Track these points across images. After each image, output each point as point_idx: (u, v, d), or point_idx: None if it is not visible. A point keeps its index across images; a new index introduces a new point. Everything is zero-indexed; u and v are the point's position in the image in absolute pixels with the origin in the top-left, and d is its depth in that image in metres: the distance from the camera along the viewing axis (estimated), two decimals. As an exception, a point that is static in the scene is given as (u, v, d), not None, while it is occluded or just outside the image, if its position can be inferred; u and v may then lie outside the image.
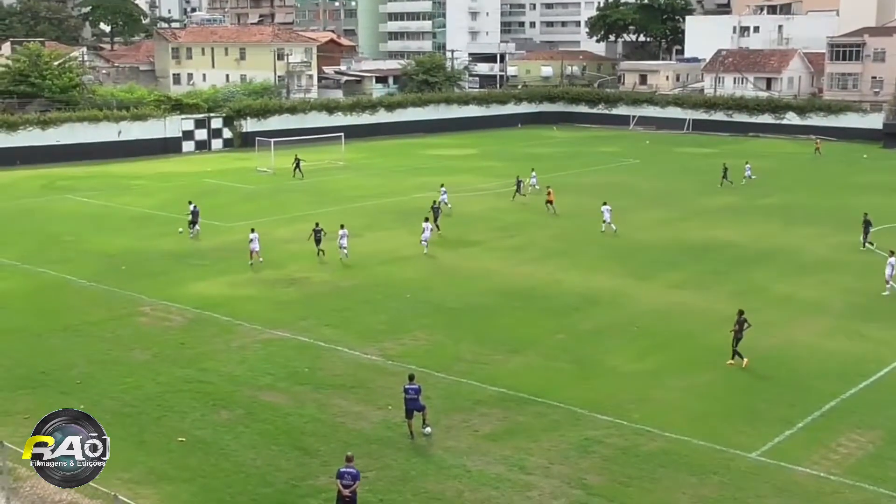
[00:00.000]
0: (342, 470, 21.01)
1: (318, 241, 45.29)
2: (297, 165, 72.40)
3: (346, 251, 44.45)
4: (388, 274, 42.70)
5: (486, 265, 44.59)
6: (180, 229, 50.67)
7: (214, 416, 26.85)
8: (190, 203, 51.40)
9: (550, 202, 57.21)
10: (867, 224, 47.90)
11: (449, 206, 56.62)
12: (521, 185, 61.50)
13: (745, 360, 30.72)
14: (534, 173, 66.58)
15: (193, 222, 50.41)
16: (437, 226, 49.97)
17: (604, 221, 51.22)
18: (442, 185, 59.26)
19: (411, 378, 25.81)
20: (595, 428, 26.12)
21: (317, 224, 45.92)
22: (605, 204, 51.73)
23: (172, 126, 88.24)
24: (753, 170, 70.77)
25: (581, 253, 47.18)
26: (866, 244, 47.40)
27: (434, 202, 52.52)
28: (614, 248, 48.17)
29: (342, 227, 44.91)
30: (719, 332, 34.14)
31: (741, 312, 31.28)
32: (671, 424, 26.32)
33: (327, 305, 37.76)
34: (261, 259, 44.23)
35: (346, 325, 35.23)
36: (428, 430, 25.58)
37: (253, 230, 45.12)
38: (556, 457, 24.44)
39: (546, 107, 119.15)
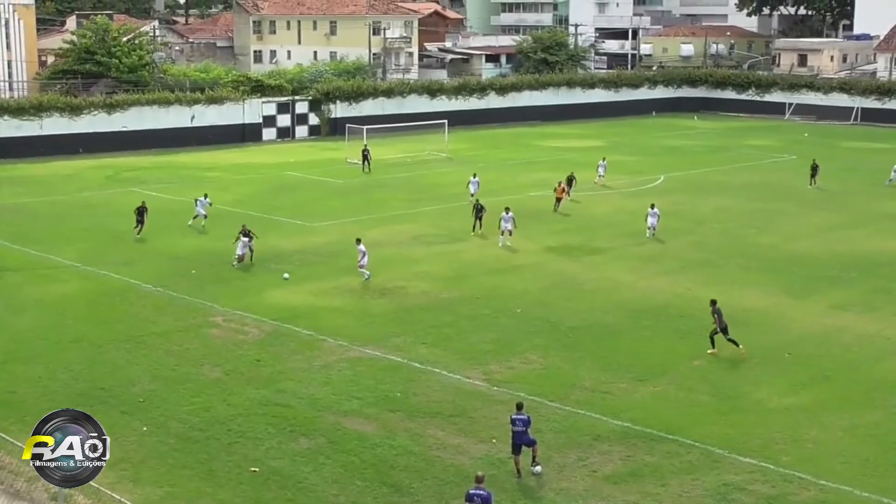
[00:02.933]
0: (471, 492, 21.89)
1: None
2: (366, 157, 73.21)
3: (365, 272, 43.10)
4: (497, 285, 42.78)
5: (612, 277, 44.37)
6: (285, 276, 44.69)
7: (293, 444, 27.26)
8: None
9: (559, 199, 57.94)
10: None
11: (475, 196, 58.79)
12: (574, 182, 62.52)
13: (742, 347, 34.11)
14: (603, 162, 67.45)
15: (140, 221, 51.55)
16: (480, 224, 51.68)
17: (648, 228, 51.35)
18: (475, 175, 61.83)
19: (520, 407, 25.83)
20: (736, 472, 25.75)
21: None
22: (652, 206, 51.74)
23: (252, 111, 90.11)
24: None
25: (725, 265, 46.60)
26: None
27: (476, 200, 53.81)
28: (765, 259, 47.47)
29: (359, 241, 43.78)
30: (890, 362, 33.34)
31: (714, 302, 34.52)
32: (829, 471, 25.79)
33: (425, 321, 38.03)
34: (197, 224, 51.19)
35: (446, 344, 35.41)
36: (538, 468, 25.55)
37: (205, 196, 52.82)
38: (690, 505, 24.18)
39: (686, 92, 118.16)
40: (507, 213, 49.62)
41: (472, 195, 59.34)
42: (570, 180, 61.94)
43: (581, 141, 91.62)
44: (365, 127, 79.32)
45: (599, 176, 66.22)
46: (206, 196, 53.78)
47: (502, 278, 43.97)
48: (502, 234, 49.29)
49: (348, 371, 32.68)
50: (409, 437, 27.74)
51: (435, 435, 27.88)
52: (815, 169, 67.13)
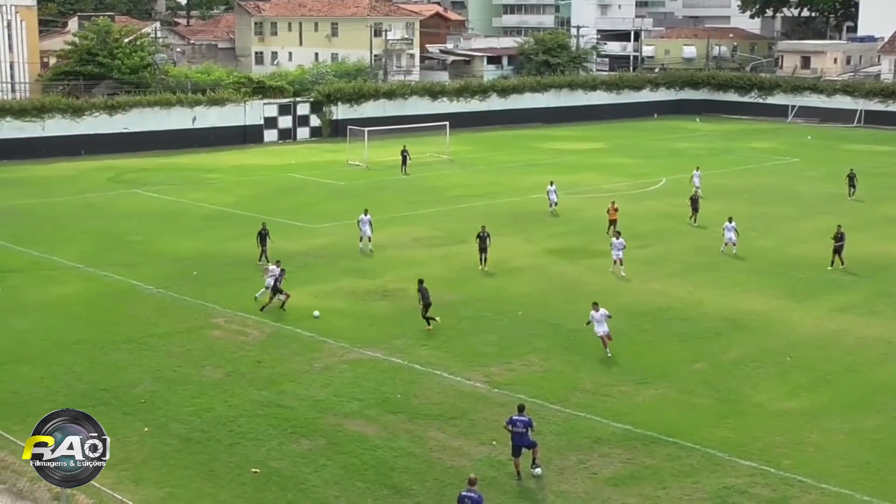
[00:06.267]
0: (463, 494, 21.86)
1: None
2: (405, 158, 73.55)
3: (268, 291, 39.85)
4: (498, 287, 42.88)
5: (613, 280, 44.43)
6: None
7: (293, 445, 27.40)
8: None
9: (614, 221, 52.07)
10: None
11: (556, 204, 58.13)
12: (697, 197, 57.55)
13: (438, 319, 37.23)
14: (698, 171, 63.87)
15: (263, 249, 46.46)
16: (484, 259, 45.86)
17: (725, 243, 49.06)
18: (552, 183, 59.32)
19: (521, 409, 25.91)
20: (737, 475, 25.84)
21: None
22: (730, 220, 49.28)
23: (253, 112, 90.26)
24: None
25: (727, 268, 46.66)
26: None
27: (482, 228, 46.37)
28: (767, 263, 47.51)
29: (277, 263, 40.88)
30: (892, 366, 33.44)
31: (421, 282, 37.33)
32: (829, 475, 25.89)
33: (425, 323, 38.11)
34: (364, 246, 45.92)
35: (447, 346, 35.55)
36: (538, 470, 25.66)
37: None
38: (690, 508, 24.27)
39: (688, 94, 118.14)
40: (616, 240, 45.62)
41: (555, 205, 57.96)
42: (694, 201, 56.36)
43: (582, 143, 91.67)
44: (366, 129, 79.35)
45: (696, 187, 61.59)
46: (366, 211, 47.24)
47: (503, 280, 44.06)
48: (615, 263, 45.16)
49: (349, 373, 32.81)
50: (409, 438, 27.86)
51: (435, 437, 27.99)
52: (852, 178, 64.40)
